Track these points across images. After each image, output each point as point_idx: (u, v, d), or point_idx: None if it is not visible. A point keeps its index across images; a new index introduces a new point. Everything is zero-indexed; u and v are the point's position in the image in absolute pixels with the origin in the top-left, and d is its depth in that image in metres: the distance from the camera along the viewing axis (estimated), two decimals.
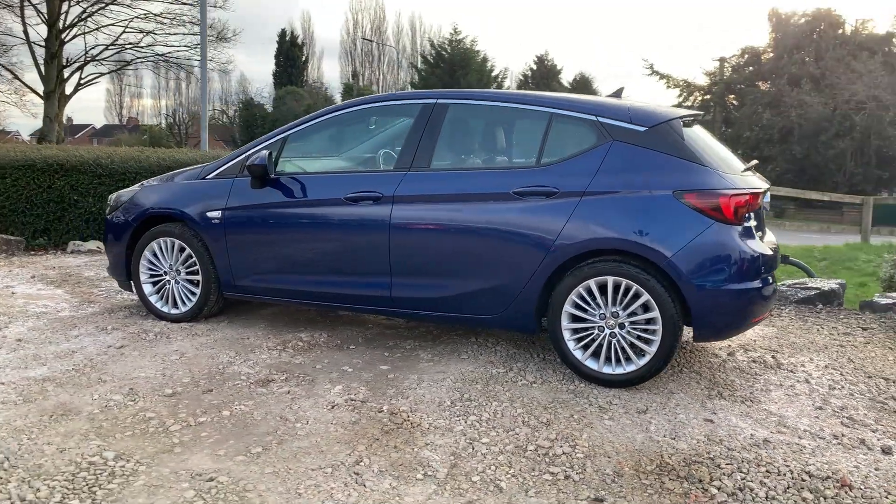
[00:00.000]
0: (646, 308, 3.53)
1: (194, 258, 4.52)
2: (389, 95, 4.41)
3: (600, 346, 3.64)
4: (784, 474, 2.86)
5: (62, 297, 5.42)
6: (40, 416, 3.22)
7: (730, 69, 32.01)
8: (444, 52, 42.40)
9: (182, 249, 4.56)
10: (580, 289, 3.63)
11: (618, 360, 3.62)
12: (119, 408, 3.33)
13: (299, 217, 4.24)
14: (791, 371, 4.10)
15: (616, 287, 3.56)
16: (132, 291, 5.05)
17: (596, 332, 3.64)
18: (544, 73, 55.45)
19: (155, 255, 4.66)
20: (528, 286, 3.72)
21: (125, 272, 4.80)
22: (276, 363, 3.97)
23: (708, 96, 32.39)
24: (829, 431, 3.29)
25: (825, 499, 2.70)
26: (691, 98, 32.27)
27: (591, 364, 3.66)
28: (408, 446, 3.02)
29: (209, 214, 4.43)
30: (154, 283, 4.70)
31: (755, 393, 3.72)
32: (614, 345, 3.61)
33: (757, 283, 3.51)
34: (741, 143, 26.99)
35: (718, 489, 2.75)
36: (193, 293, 4.59)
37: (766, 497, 2.70)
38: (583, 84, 63.60)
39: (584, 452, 3.00)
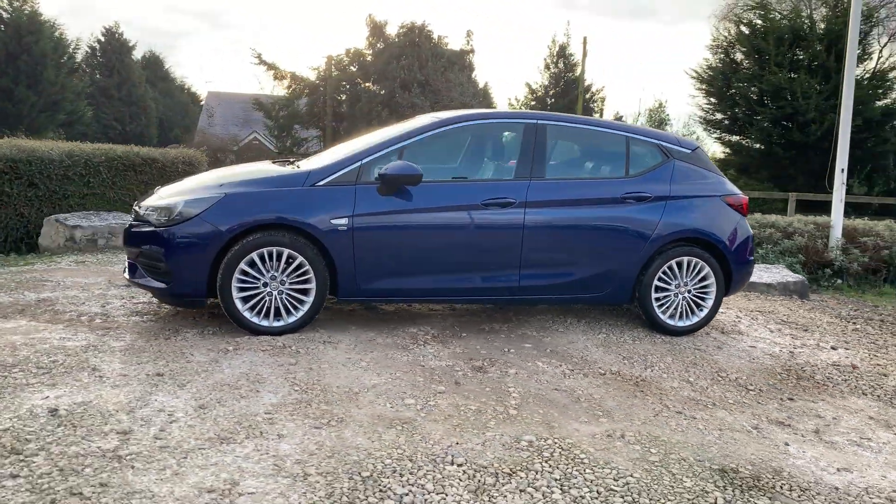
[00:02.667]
0: (704, 277, 5.09)
1: (307, 266, 4.41)
2: (494, 113, 4.98)
3: (674, 306, 5.07)
4: (827, 367, 4.78)
5: (59, 330, 4.40)
6: (397, 435, 3.26)
7: (334, 68, 34.65)
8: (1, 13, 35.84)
9: (291, 258, 4.40)
10: (665, 267, 5.00)
11: (686, 315, 5.11)
12: (458, 408, 3.52)
13: (437, 221, 4.58)
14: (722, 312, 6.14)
15: (689, 264, 5.04)
16: (188, 308, 4.56)
17: (672, 297, 5.07)
18: (115, 48, 50.82)
19: (253, 265, 4.35)
20: (632, 267, 4.93)
21: (205, 288, 4.33)
22: (450, 354, 4.35)
23: (319, 91, 34.54)
24: (798, 342, 5.37)
25: (858, 378, 4.67)
26: (304, 92, 34.07)
27: (669, 321, 5.08)
28: (663, 392, 4.04)
29: (334, 222, 4.40)
30: (245, 299, 4.39)
31: (737, 328, 5.62)
32: (682, 305, 5.09)
33: (753, 256, 5.38)
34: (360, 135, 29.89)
35: (819, 380, 4.51)
36: (301, 301, 4.46)
37: (843, 380, 4.56)
38: (154, 62, 59.96)
39: (744, 375, 4.45)
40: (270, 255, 4.36)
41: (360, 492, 2.68)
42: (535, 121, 4.94)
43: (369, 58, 34.07)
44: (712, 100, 27.03)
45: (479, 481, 2.83)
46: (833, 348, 5.30)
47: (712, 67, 26.67)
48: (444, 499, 2.68)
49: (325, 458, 2.92)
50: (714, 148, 27.36)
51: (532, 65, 77.79)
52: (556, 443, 3.22)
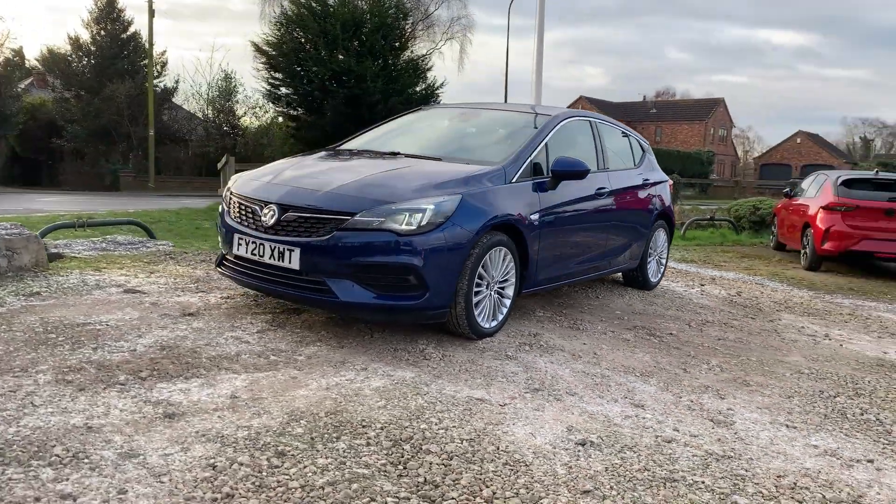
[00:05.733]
0: (663, 242, 6.66)
1: (511, 264, 4.40)
2: (577, 112, 5.41)
3: (653, 268, 6.52)
4: (737, 299, 6.91)
5: (310, 377, 3.40)
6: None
7: None
8: None
9: (504, 257, 4.31)
10: (653, 237, 6.38)
11: (656, 273, 6.61)
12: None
13: (579, 210, 5.01)
14: None
15: (661, 233, 6.53)
16: (426, 323, 4.10)
17: (651, 261, 6.50)
18: None
19: (484, 267, 4.14)
20: (644, 240, 6.16)
21: (452, 297, 3.95)
22: (605, 328, 4.97)
23: None
24: (691, 285, 7.41)
25: (758, 306, 6.93)
26: None
27: (652, 279, 6.51)
28: (752, 331, 5.51)
29: (532, 217, 4.45)
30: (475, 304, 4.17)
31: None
32: (655, 266, 6.57)
33: None
34: None
35: (759, 307, 6.58)
36: (504, 298, 4.41)
37: (760, 308, 6.73)
38: None
39: (734, 309, 6.21)
40: (496, 255, 4.24)
41: None
42: (593, 119, 5.70)
43: None
44: (277, 75, 28.06)
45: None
46: (701, 286, 7.51)
47: (277, 44, 27.59)
48: None
49: None
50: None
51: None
52: (829, 372, 4.41)
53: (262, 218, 3.97)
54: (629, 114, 57.00)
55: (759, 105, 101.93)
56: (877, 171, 11.13)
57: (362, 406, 3.06)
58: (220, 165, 13.26)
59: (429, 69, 29.44)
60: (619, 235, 5.73)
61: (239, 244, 4.07)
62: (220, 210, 4.48)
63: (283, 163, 4.81)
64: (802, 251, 10.56)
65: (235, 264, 4.16)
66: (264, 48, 27.96)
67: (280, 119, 30.23)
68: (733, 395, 3.78)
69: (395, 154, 4.80)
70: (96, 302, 4.30)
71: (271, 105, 29.29)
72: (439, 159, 4.65)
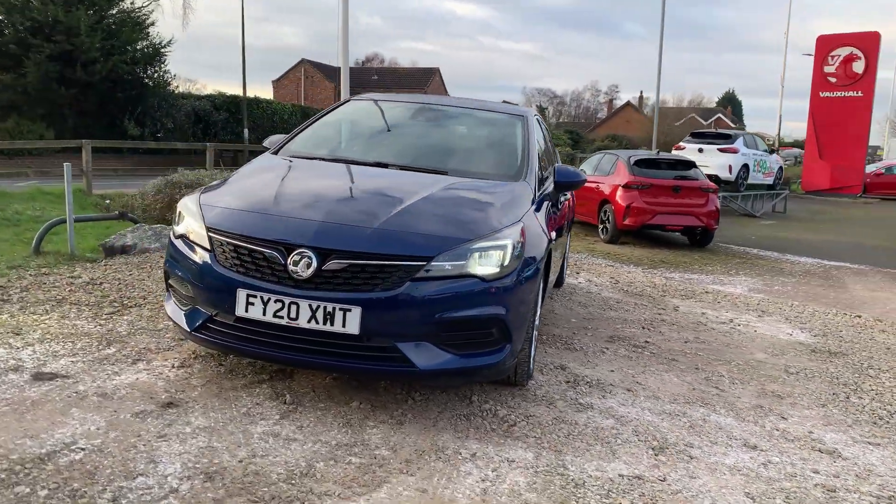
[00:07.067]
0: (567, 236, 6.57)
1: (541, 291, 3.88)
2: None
3: (565, 266, 6.41)
4: (617, 288, 7.14)
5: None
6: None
7: None
8: None
9: (541, 285, 3.77)
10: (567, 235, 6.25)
11: (566, 268, 6.52)
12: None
13: (562, 219, 4.63)
14: None
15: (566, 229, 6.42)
16: (485, 381, 3.42)
17: (564, 259, 6.37)
18: None
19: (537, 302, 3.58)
20: (566, 239, 5.99)
21: (522, 344, 3.33)
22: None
23: None
24: (578, 277, 7.47)
25: (639, 289, 7.23)
26: None
27: (565, 276, 6.39)
28: (671, 323, 5.67)
29: (553, 234, 3.97)
30: None
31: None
32: (565, 261, 6.47)
33: None
34: None
35: (639, 293, 6.87)
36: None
37: (636, 292, 7.03)
38: None
39: (635, 299, 6.38)
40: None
41: None
42: (537, 115, 5.28)
43: None
44: None
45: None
46: (577, 274, 7.64)
47: None
48: None
49: None
50: None
51: None
52: (805, 369, 4.67)
53: (293, 267, 2.91)
54: (352, 80, 56.96)
55: (450, 73, 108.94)
56: (658, 152, 12.43)
57: None
58: None
59: (151, 24, 26.03)
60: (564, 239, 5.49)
61: (250, 303, 2.95)
62: (180, 250, 3.23)
63: (256, 180, 3.65)
64: (601, 226, 11.37)
65: (237, 329, 3.02)
66: None
67: None
68: (786, 412, 3.78)
69: (383, 165, 3.92)
70: (14, 405, 2.84)
71: None
72: (445, 173, 3.88)
